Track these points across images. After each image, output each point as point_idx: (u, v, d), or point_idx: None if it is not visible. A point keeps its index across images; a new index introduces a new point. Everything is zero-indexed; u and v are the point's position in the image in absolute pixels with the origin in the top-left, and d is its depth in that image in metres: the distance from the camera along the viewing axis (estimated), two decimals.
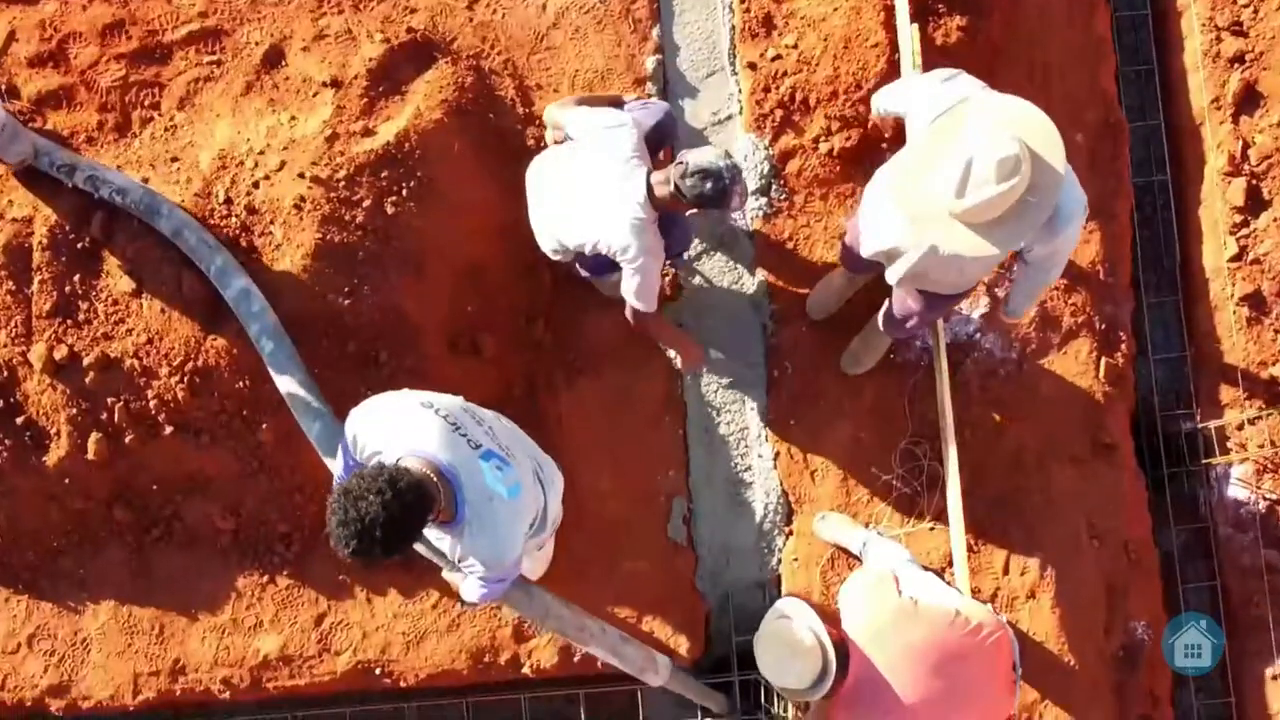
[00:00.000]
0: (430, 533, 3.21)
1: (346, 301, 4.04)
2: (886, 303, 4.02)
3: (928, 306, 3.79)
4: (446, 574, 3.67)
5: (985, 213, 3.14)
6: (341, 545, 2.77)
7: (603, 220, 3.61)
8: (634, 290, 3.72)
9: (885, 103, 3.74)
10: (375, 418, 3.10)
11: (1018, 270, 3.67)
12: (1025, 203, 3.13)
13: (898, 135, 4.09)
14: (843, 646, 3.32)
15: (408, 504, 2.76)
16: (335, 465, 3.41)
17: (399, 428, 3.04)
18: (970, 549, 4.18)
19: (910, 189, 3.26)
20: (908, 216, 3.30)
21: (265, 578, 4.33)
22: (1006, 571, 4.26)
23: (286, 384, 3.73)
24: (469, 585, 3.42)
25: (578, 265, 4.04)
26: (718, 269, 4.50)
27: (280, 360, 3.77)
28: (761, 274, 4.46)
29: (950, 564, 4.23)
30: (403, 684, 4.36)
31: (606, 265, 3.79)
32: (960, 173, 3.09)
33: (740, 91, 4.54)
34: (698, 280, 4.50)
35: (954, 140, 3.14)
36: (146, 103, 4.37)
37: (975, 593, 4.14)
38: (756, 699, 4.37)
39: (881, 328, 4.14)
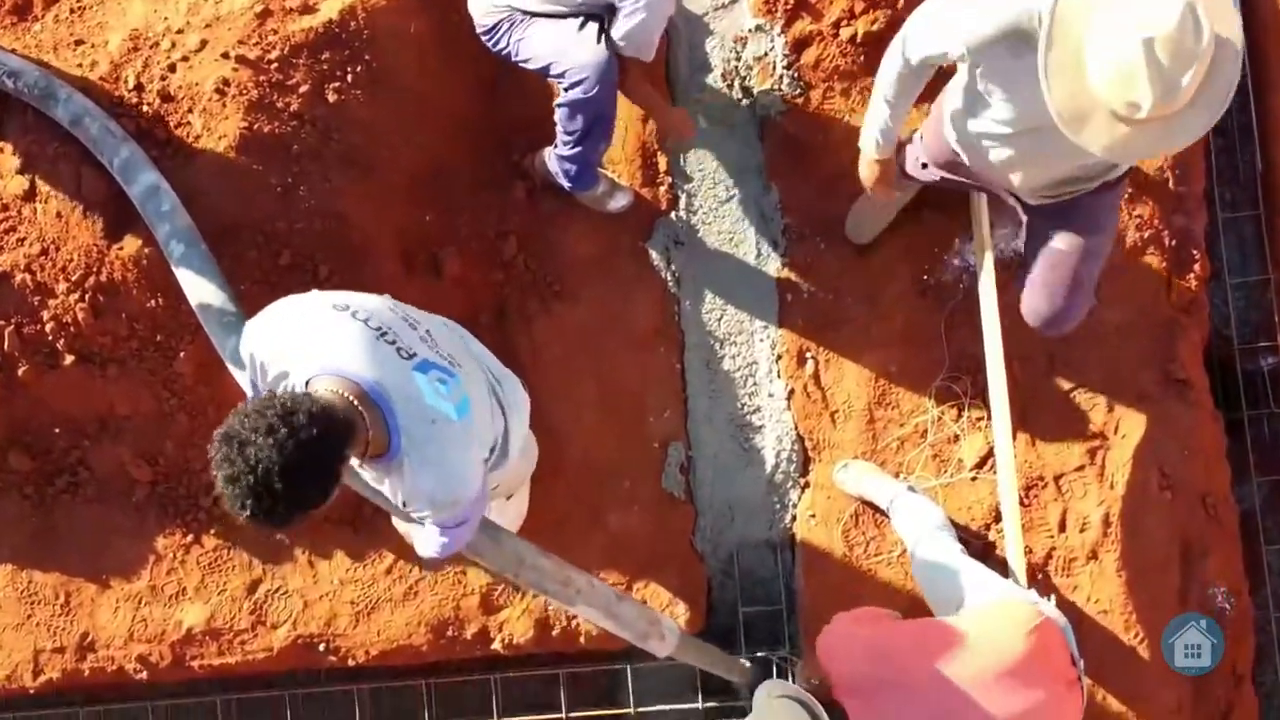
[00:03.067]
0: (365, 473, 2.57)
1: (279, 203, 3.40)
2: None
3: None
4: (398, 523, 3.02)
5: (1174, 99, 2.31)
6: (236, 507, 2.12)
7: None
8: (631, 31, 3.16)
9: (956, 34, 2.63)
10: (276, 329, 2.43)
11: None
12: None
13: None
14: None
15: (310, 440, 2.09)
16: (245, 381, 2.77)
17: (308, 339, 2.37)
18: (1021, 502, 3.53)
19: (1052, 82, 2.40)
20: (1039, 124, 2.53)
21: (189, 537, 3.69)
22: (1063, 528, 3.61)
23: (198, 292, 3.08)
24: (425, 536, 2.77)
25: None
26: (719, 176, 3.85)
27: (191, 264, 3.12)
28: (772, 182, 3.81)
29: (997, 519, 3.59)
30: (351, 662, 3.71)
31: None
32: (1139, 53, 2.26)
33: None
34: (695, 187, 3.85)
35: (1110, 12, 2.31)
36: None
37: (1027, 553, 3.49)
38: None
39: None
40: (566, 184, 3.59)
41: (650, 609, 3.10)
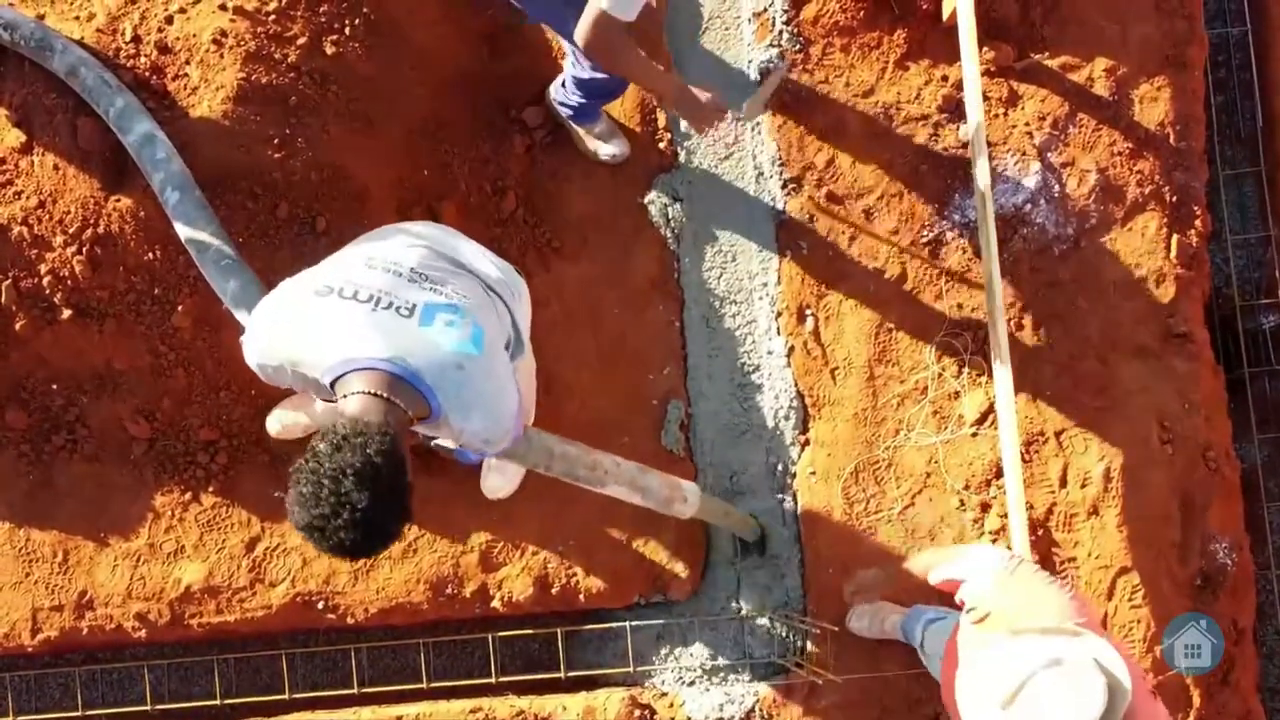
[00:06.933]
0: (416, 426, 2.54)
1: (276, 155, 3.38)
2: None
3: None
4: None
5: None
6: (347, 558, 2.21)
7: None
8: None
9: None
10: (275, 338, 2.40)
11: None
12: None
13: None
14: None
15: (384, 485, 2.13)
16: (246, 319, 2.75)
17: (312, 339, 2.34)
18: (1022, 457, 3.52)
19: None
20: None
21: (187, 495, 3.67)
22: (1064, 483, 3.59)
23: (194, 237, 3.06)
24: (491, 481, 3.31)
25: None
26: (719, 132, 3.83)
27: (187, 211, 3.10)
28: (771, 136, 3.79)
29: (998, 475, 3.57)
30: (350, 620, 3.69)
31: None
32: None
33: None
34: (695, 144, 3.83)
35: None
36: None
37: (1029, 508, 3.48)
38: (769, 641, 3.72)
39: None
40: (568, 113, 3.58)
41: (671, 477, 3.11)
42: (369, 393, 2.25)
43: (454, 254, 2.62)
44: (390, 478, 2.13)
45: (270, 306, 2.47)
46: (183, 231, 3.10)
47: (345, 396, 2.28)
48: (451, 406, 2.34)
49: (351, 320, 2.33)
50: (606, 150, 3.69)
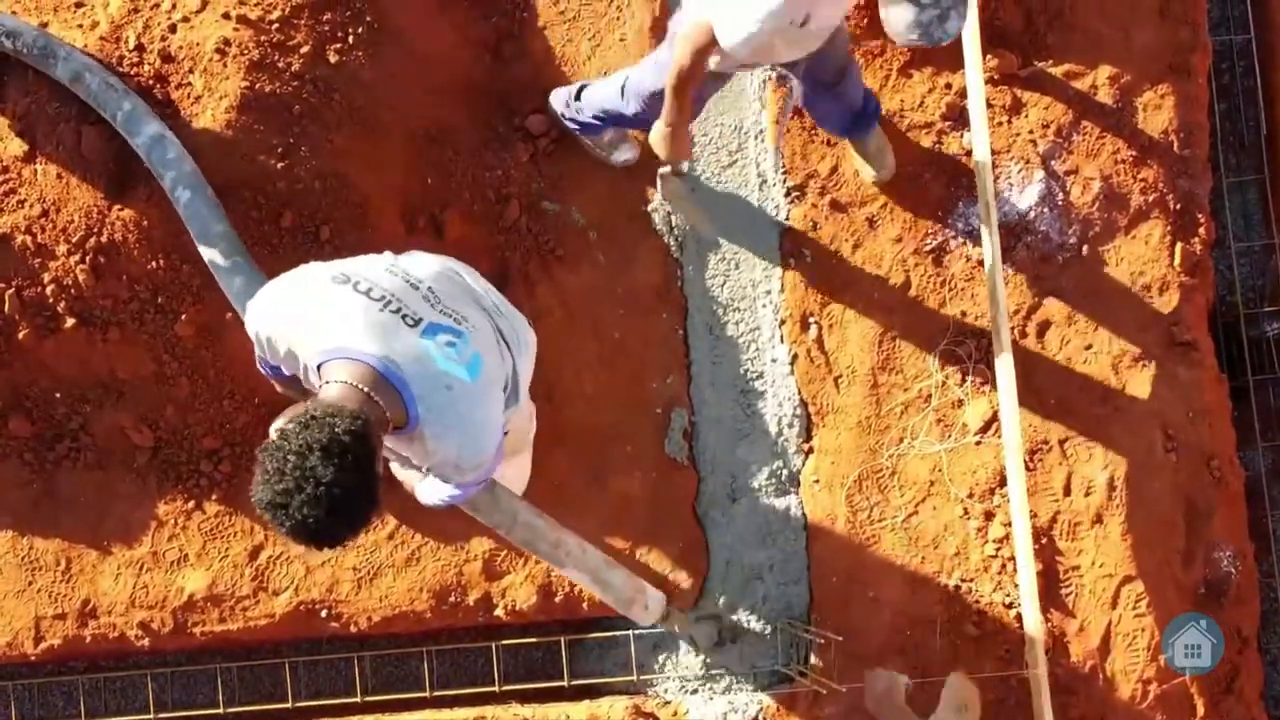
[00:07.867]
0: (388, 442, 2.53)
1: (280, 164, 3.38)
2: None
3: None
4: (397, 470, 3.01)
5: None
6: (309, 539, 2.12)
7: None
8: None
9: None
10: (279, 310, 2.41)
11: None
12: None
13: None
14: None
15: (351, 463, 2.06)
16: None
17: (312, 319, 2.34)
18: (1026, 466, 3.52)
19: None
20: None
21: (190, 503, 3.67)
22: (1068, 492, 3.59)
23: (204, 236, 3.08)
24: (429, 486, 2.80)
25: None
26: (722, 140, 3.83)
27: (198, 210, 3.12)
28: (776, 146, 3.79)
29: (1002, 484, 3.57)
30: (353, 629, 3.69)
31: None
32: None
33: None
34: (699, 152, 3.83)
35: None
36: None
37: (1032, 517, 3.48)
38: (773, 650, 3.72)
39: None
40: (574, 128, 3.57)
41: (638, 579, 3.10)
42: (351, 384, 2.24)
43: (467, 281, 2.63)
44: (358, 458, 2.07)
45: (285, 281, 2.48)
46: (194, 231, 3.12)
47: (327, 383, 2.27)
48: (430, 422, 2.31)
49: (356, 312, 2.33)
50: (619, 157, 3.68)
